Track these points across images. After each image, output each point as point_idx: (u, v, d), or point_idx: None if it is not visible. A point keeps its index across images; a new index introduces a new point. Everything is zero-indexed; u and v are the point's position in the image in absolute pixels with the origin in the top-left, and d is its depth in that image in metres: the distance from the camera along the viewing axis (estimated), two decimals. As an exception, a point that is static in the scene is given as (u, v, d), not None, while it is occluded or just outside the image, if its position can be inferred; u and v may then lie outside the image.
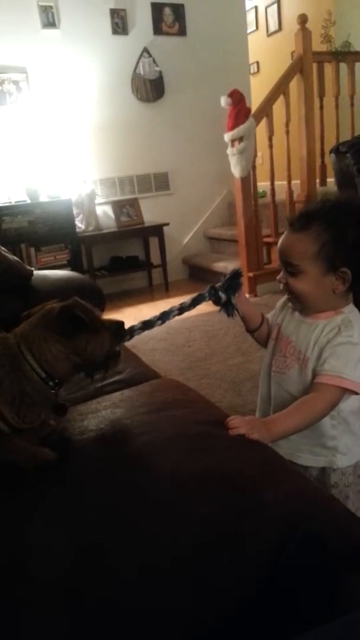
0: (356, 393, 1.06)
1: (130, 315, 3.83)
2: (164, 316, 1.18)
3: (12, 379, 0.97)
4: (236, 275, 1.16)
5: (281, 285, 1.13)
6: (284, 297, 1.22)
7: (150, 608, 0.64)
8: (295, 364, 1.13)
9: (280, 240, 1.11)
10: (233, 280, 1.16)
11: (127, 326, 1.13)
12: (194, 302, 1.16)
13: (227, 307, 1.17)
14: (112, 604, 0.64)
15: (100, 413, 1.15)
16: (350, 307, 1.11)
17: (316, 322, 1.10)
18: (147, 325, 1.18)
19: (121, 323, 1.09)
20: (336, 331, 1.06)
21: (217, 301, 1.16)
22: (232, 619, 0.63)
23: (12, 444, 0.97)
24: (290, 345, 1.15)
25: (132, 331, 1.14)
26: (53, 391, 1.01)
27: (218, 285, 1.15)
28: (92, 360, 1.04)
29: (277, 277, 1.13)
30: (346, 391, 1.05)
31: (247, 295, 1.23)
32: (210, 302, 1.17)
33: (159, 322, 1.19)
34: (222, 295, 1.15)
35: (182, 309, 1.18)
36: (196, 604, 0.64)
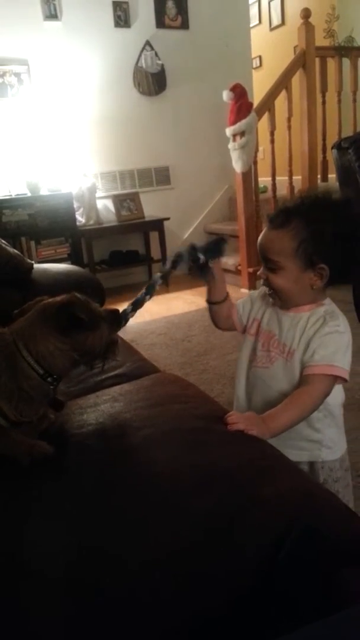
0: (345, 380, 1.08)
1: (130, 310, 3.81)
2: (150, 289, 1.18)
3: (9, 375, 0.97)
4: (220, 241, 1.15)
5: (261, 281, 1.13)
6: (260, 290, 1.23)
7: (149, 601, 0.64)
8: (280, 357, 1.13)
9: (260, 236, 1.12)
10: (216, 245, 1.15)
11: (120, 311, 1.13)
12: (174, 264, 1.15)
13: (203, 270, 1.16)
14: (110, 597, 0.64)
15: (100, 407, 1.15)
16: (329, 300, 1.13)
17: (299, 314, 1.12)
18: (137, 304, 1.17)
19: (116, 311, 1.11)
20: (322, 322, 1.08)
21: (194, 261, 1.14)
22: (230, 613, 0.63)
23: (10, 438, 0.98)
24: (273, 339, 1.16)
25: (126, 315, 1.14)
26: (52, 387, 1.01)
27: (199, 246, 1.14)
28: (92, 353, 1.04)
29: (258, 272, 1.15)
30: (336, 379, 1.07)
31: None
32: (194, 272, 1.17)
33: (147, 297, 1.18)
34: (201, 257, 1.13)
35: (164, 275, 1.17)
36: (194, 597, 0.64)
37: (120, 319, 1.11)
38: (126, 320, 1.14)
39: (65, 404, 1.10)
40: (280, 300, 1.13)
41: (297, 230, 1.03)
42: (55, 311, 0.99)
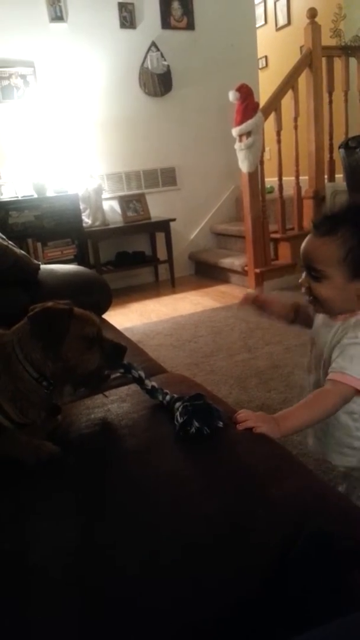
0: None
1: (136, 311, 3.84)
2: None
3: (8, 376, 0.97)
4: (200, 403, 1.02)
5: (302, 289, 1.10)
6: None
7: (154, 604, 0.63)
8: (319, 365, 1.14)
9: (303, 244, 1.08)
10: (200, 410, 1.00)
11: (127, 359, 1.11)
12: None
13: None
14: (114, 599, 0.64)
15: (107, 407, 1.15)
16: None
17: (334, 323, 1.10)
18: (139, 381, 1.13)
19: (119, 348, 1.08)
20: (345, 332, 1.06)
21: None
22: (238, 615, 0.63)
23: (15, 439, 0.98)
24: (314, 347, 1.17)
25: (130, 368, 1.10)
26: (46, 391, 1.01)
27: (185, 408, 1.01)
28: (75, 372, 1.03)
29: (299, 281, 1.11)
30: (357, 391, 1.03)
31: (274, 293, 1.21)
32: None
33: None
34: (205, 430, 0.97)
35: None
36: (201, 598, 0.64)
37: (118, 359, 1.08)
38: (127, 371, 1.11)
39: (61, 409, 1.10)
40: (323, 308, 1.11)
41: (345, 237, 1.00)
42: (32, 317, 1.00)
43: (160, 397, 1.10)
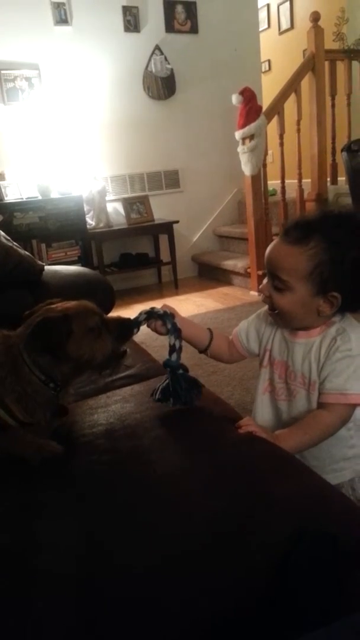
0: None
1: (139, 312, 3.82)
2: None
3: (14, 378, 0.98)
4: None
5: (262, 296, 1.04)
6: (260, 313, 1.16)
7: (157, 603, 0.64)
8: (302, 390, 1.06)
9: (270, 247, 1.01)
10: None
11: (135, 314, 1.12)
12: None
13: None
14: (117, 599, 0.64)
15: (110, 407, 1.16)
16: (339, 316, 1.03)
17: (311, 340, 1.03)
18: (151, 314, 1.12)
19: (126, 322, 1.08)
20: (333, 344, 0.99)
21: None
22: (240, 615, 0.63)
23: (19, 438, 0.98)
24: (289, 371, 1.08)
25: (138, 323, 1.11)
26: (54, 392, 1.02)
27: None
28: (92, 365, 1.04)
29: (260, 287, 1.05)
30: (356, 406, 1.00)
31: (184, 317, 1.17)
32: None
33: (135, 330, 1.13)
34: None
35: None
36: (203, 598, 0.64)
37: (129, 332, 1.09)
38: (138, 328, 1.12)
39: (68, 410, 1.10)
40: (282, 320, 1.05)
41: (317, 250, 0.93)
42: (30, 332, 0.99)
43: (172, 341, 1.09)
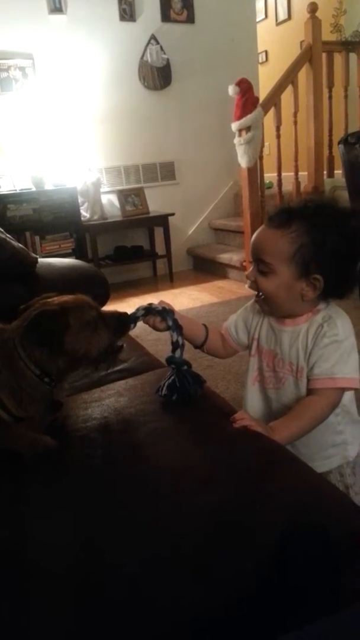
0: (355, 389, 1.04)
1: (134, 305, 3.77)
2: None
3: (8, 372, 0.98)
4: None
5: (248, 282, 1.08)
6: (248, 305, 1.19)
7: (153, 598, 0.63)
8: (290, 377, 1.08)
9: (255, 234, 1.06)
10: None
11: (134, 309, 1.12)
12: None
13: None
14: (114, 593, 0.64)
15: (104, 401, 1.15)
16: (324, 304, 1.06)
17: (297, 327, 1.06)
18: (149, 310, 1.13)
19: (123, 317, 1.08)
20: (320, 331, 1.02)
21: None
22: (235, 610, 0.63)
23: (12, 432, 0.98)
24: (277, 359, 1.10)
25: (136, 319, 1.11)
26: (48, 387, 1.01)
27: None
28: (88, 359, 1.04)
29: (246, 273, 1.08)
30: (345, 389, 1.03)
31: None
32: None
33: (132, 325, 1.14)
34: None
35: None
36: (198, 593, 0.64)
37: (126, 326, 1.09)
38: (135, 324, 1.12)
39: (62, 405, 1.10)
40: (268, 307, 1.08)
41: (298, 233, 0.98)
42: (27, 325, 0.99)
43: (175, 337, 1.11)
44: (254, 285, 1.06)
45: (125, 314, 1.09)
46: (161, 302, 1.14)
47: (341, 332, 1.02)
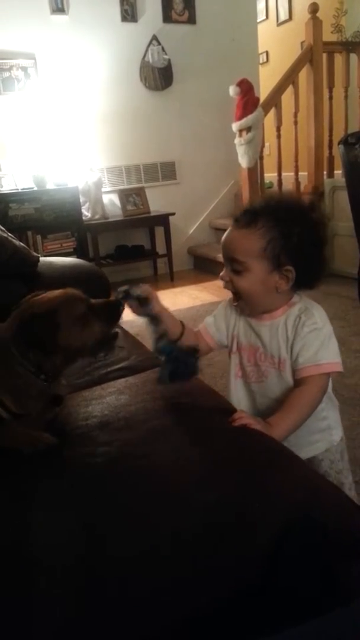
0: (339, 371, 1.07)
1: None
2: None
3: (4, 371, 0.98)
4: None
5: (223, 284, 1.11)
6: (224, 303, 1.21)
7: (151, 593, 0.64)
8: (272, 369, 1.11)
9: (224, 236, 1.10)
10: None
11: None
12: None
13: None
14: (113, 589, 0.65)
15: (105, 399, 1.16)
16: (298, 297, 1.10)
17: (275, 320, 1.09)
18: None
19: (113, 304, 1.08)
20: (299, 322, 1.06)
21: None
22: (232, 606, 0.64)
23: (12, 429, 0.98)
24: (258, 353, 1.13)
25: (120, 303, 1.09)
26: (46, 383, 1.02)
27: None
28: (83, 351, 1.04)
29: (220, 275, 1.11)
30: (330, 373, 1.07)
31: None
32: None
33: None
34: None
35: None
36: (196, 589, 0.65)
37: (118, 313, 1.09)
38: (124, 306, 1.10)
39: (63, 399, 1.10)
40: (246, 305, 1.10)
41: (266, 229, 1.02)
42: (14, 332, 0.99)
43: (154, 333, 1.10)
44: (230, 286, 1.09)
45: (115, 300, 1.08)
46: (143, 287, 1.11)
47: (319, 320, 1.06)
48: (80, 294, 1.07)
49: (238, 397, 1.20)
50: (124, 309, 1.11)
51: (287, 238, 1.01)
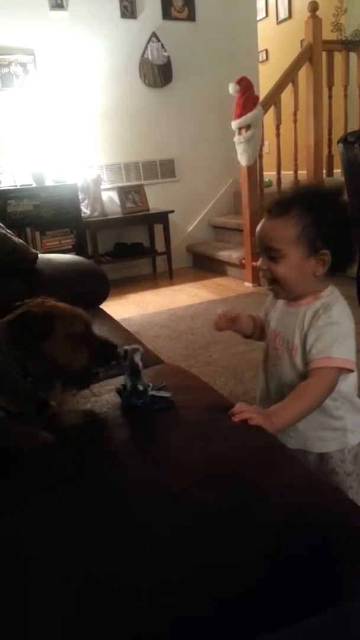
0: (351, 370, 1.08)
1: (133, 302, 3.84)
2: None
3: None
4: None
5: (261, 272, 1.14)
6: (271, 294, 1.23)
7: (149, 593, 0.64)
8: (285, 354, 1.15)
9: (259, 227, 1.13)
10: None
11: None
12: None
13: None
14: (111, 588, 0.65)
15: (103, 397, 1.16)
16: (329, 290, 1.13)
17: (298, 309, 1.13)
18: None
19: (110, 346, 1.05)
20: (316, 314, 1.09)
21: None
22: (230, 606, 0.64)
23: (10, 427, 0.98)
24: (278, 337, 1.17)
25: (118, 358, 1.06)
26: (31, 386, 1.00)
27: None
28: (63, 371, 1.01)
29: (257, 264, 1.15)
30: (342, 370, 1.07)
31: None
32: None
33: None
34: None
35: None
36: (194, 589, 0.64)
37: (109, 358, 1.05)
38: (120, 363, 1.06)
39: (50, 406, 1.07)
40: (283, 290, 1.13)
41: (299, 216, 1.05)
42: (9, 322, 0.98)
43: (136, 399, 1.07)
44: (267, 274, 1.12)
45: (113, 345, 1.05)
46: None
47: (335, 314, 1.08)
48: (86, 317, 1.04)
49: (259, 379, 1.26)
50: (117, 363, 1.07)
51: (321, 223, 1.05)
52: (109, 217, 4.33)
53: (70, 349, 0.99)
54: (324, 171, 4.16)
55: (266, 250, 1.10)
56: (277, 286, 1.13)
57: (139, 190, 4.49)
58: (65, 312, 1.02)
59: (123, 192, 4.42)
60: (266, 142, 4.09)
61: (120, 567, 0.68)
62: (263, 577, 0.65)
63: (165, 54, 4.45)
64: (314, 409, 1.07)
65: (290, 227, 1.06)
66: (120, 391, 1.10)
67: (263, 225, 1.12)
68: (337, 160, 3.88)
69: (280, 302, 1.20)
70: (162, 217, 4.43)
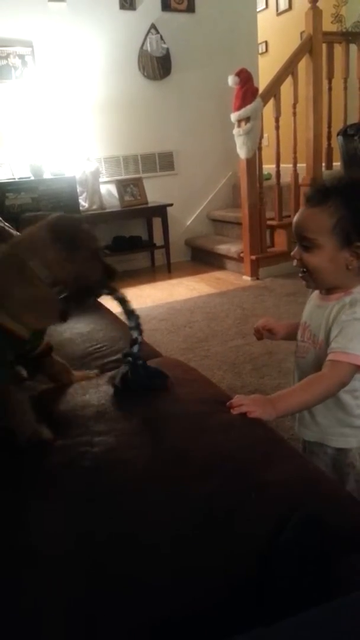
0: None
1: (132, 295, 3.78)
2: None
3: (22, 287, 1.00)
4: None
5: (294, 262, 1.13)
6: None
7: (148, 584, 0.64)
8: (311, 348, 1.14)
9: (296, 215, 1.12)
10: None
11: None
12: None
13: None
14: (110, 580, 0.65)
15: (102, 388, 1.16)
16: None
17: (328, 304, 1.12)
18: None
19: (113, 269, 1.12)
20: (342, 310, 1.07)
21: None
22: (229, 598, 0.64)
23: (22, 415, 1.00)
24: (307, 330, 1.17)
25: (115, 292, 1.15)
26: (58, 296, 1.04)
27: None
28: (80, 281, 1.06)
29: (292, 253, 1.13)
30: (358, 368, 1.05)
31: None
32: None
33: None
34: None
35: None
36: (193, 581, 0.65)
37: (114, 276, 1.12)
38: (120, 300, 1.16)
39: (69, 314, 1.12)
40: (314, 281, 1.12)
41: (336, 207, 1.04)
42: (50, 224, 1.04)
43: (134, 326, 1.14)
44: (300, 264, 1.11)
45: (117, 269, 1.13)
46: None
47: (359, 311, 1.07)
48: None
49: (292, 370, 1.26)
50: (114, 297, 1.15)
51: (357, 216, 1.03)
52: (108, 210, 4.32)
53: (88, 259, 1.05)
54: (323, 164, 4.14)
55: (300, 239, 1.09)
56: (308, 275, 1.12)
57: (137, 183, 4.48)
58: (87, 228, 1.09)
59: (122, 185, 4.40)
60: (265, 135, 4.07)
61: (116, 558, 0.68)
62: (261, 569, 0.65)
63: (165, 45, 4.43)
64: (319, 401, 1.06)
65: (326, 217, 1.04)
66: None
67: (300, 213, 1.11)
68: (337, 153, 3.87)
69: (315, 295, 1.19)
70: (161, 211, 4.42)
